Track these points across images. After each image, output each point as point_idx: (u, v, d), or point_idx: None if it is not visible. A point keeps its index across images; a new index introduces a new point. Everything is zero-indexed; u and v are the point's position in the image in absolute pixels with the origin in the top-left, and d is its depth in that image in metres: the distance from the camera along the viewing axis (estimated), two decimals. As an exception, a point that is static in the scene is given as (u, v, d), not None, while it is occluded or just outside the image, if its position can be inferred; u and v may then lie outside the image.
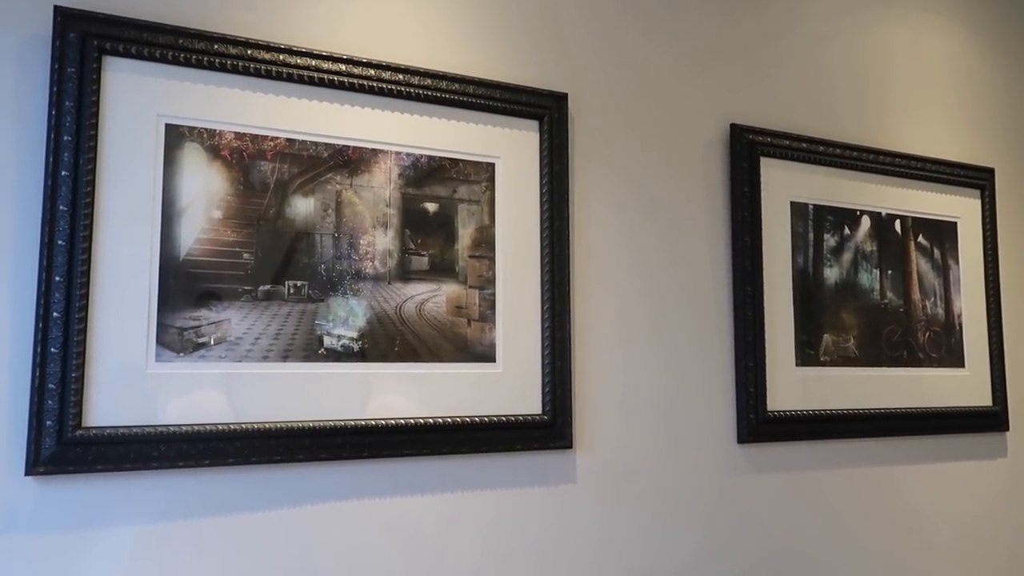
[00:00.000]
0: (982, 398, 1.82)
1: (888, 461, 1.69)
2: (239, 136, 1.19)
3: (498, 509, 1.31)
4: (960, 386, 1.79)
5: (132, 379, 1.09)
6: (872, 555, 1.65)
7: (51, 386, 1.05)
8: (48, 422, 1.04)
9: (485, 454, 1.31)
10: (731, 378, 1.54)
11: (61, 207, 1.07)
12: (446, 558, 1.27)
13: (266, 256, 1.19)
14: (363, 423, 1.22)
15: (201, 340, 1.14)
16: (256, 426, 1.15)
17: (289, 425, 1.17)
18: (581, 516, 1.37)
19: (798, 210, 1.64)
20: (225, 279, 1.16)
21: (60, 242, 1.07)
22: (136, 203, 1.12)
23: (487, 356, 1.33)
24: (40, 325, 1.05)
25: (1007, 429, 1.84)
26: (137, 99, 1.13)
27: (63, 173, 1.08)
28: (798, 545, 1.56)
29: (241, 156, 1.19)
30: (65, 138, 1.08)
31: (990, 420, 1.81)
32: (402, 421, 1.24)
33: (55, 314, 1.06)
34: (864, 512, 1.65)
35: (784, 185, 1.63)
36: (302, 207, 1.23)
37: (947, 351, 1.79)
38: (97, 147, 1.10)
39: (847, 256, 1.69)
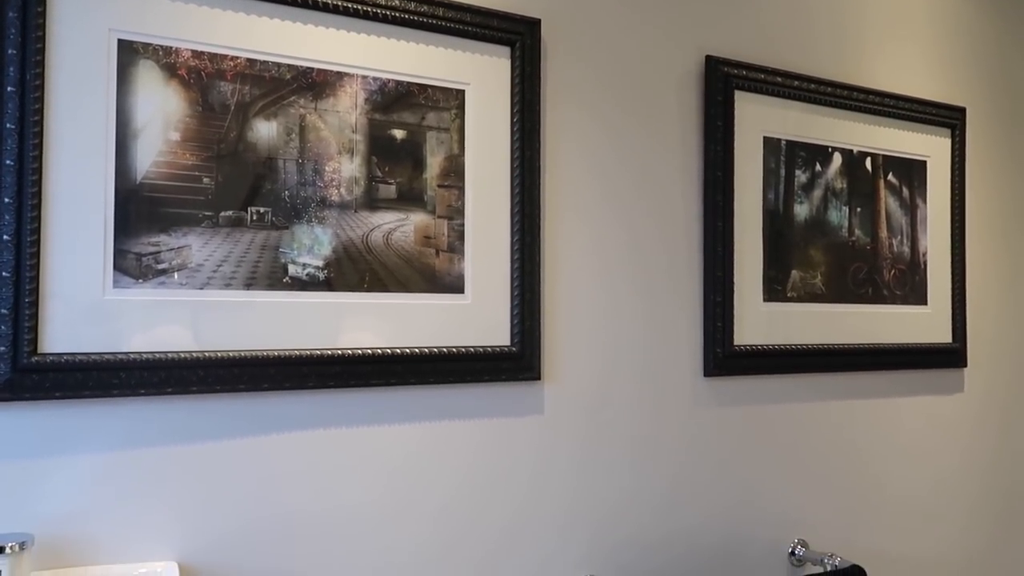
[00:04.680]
0: (943, 335, 1.85)
1: (850, 395, 1.73)
2: (197, 55, 1.14)
3: (465, 439, 1.32)
4: (922, 323, 1.82)
5: (89, 305, 1.06)
6: (832, 485, 1.69)
7: (3, 311, 1.01)
8: (1, 348, 1.01)
9: (453, 385, 1.31)
10: (699, 312, 1.55)
11: (8, 125, 1.02)
12: (413, 488, 1.27)
13: (227, 181, 1.16)
14: (329, 353, 1.20)
15: (161, 267, 1.11)
16: (220, 354, 1.13)
17: (254, 354, 1.15)
18: (548, 446, 1.39)
19: (771, 145, 1.63)
20: (185, 204, 1.13)
21: (8, 162, 1.02)
22: (88, 122, 1.07)
23: (455, 287, 1.31)
24: (-11, 248, 1.01)
25: (965, 365, 1.88)
26: (87, 13, 1.07)
27: (9, 88, 1.02)
28: (761, 476, 1.60)
29: (199, 76, 1.14)
30: (9, 51, 1.02)
31: (950, 357, 1.85)
32: (369, 351, 1.23)
33: (5, 237, 1.02)
34: (825, 444, 1.69)
35: (758, 120, 1.61)
36: (264, 131, 1.19)
37: (911, 289, 1.81)
38: (45, 61, 1.04)
39: (817, 193, 1.69)
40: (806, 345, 1.65)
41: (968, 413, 1.92)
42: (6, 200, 1.02)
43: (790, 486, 1.64)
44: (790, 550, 1.62)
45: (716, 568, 1.53)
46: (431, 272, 1.29)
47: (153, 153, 1.11)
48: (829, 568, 1.53)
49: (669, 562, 1.48)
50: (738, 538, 1.56)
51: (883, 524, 1.76)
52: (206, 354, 1.12)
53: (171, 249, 1.12)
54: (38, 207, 1.03)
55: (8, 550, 0.95)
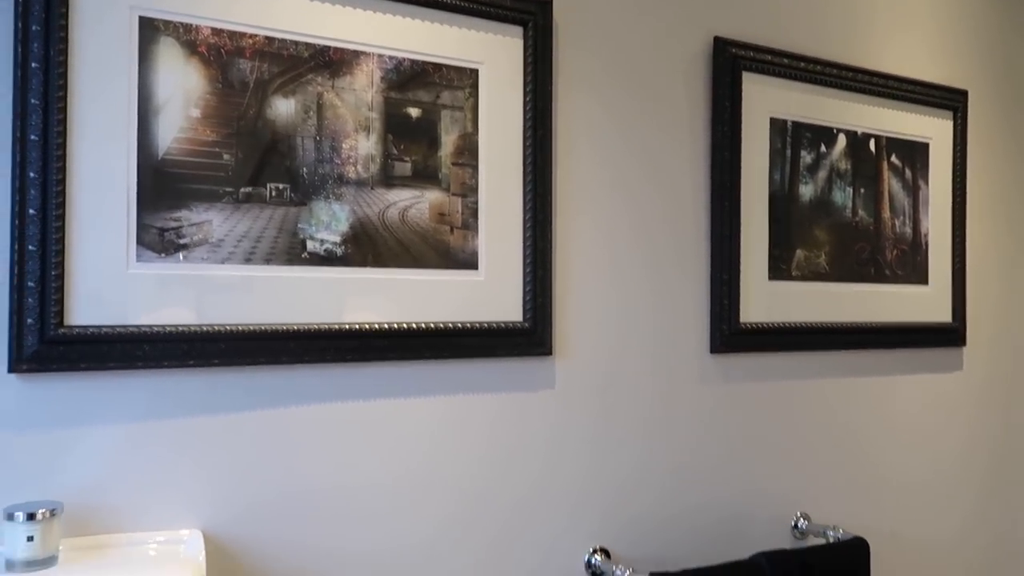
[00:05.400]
0: (942, 314, 1.88)
1: (852, 372, 1.76)
2: (216, 32, 1.16)
3: (480, 413, 1.34)
4: (922, 302, 1.85)
5: (113, 279, 1.08)
6: (834, 460, 1.73)
7: (31, 284, 1.03)
8: (29, 320, 1.03)
9: (467, 360, 1.33)
10: (706, 290, 1.57)
11: (33, 100, 1.04)
12: (429, 460, 1.30)
13: (247, 157, 1.17)
14: (347, 327, 1.22)
15: (182, 241, 1.13)
16: (241, 328, 1.15)
17: (273, 327, 1.17)
18: (560, 421, 1.41)
19: (777, 127, 1.65)
20: (205, 180, 1.14)
21: (33, 137, 1.04)
22: (111, 99, 1.08)
23: (470, 263, 1.33)
24: (16, 222, 1.03)
25: (964, 344, 1.91)
26: (108, -12, 1.08)
27: (33, 65, 1.04)
28: (765, 450, 1.63)
29: (219, 53, 1.16)
30: (33, 28, 1.04)
31: (949, 335, 1.89)
32: (386, 326, 1.25)
33: (31, 211, 1.03)
34: (828, 420, 1.72)
35: (764, 101, 1.63)
36: (283, 108, 1.20)
37: (912, 269, 1.84)
38: (68, 38, 1.06)
39: (822, 174, 1.71)
40: (810, 323, 1.68)
41: (966, 391, 1.95)
42: (31, 175, 1.03)
43: (793, 461, 1.67)
44: (793, 523, 1.66)
45: (722, 539, 1.57)
46: (446, 249, 1.31)
47: (174, 129, 1.13)
48: (831, 540, 1.57)
49: (676, 533, 1.52)
50: (743, 511, 1.60)
51: (883, 498, 1.80)
52: (227, 327, 1.14)
53: (192, 224, 1.14)
54: (63, 182, 1.05)
55: (40, 516, 0.97)
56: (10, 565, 0.97)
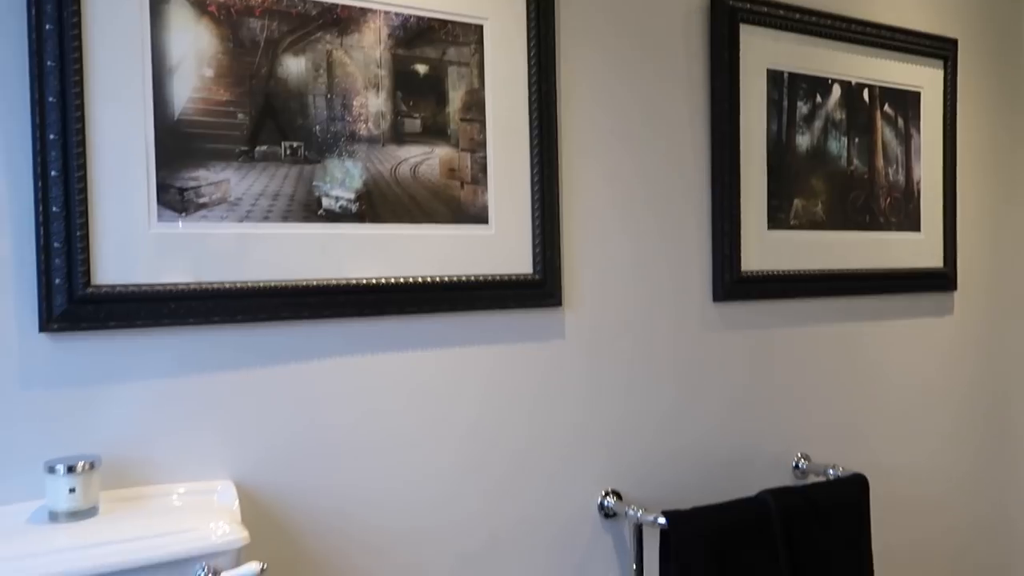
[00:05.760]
0: (934, 260, 1.94)
1: (848, 318, 1.81)
2: (225, -9, 1.16)
3: (494, 363, 1.38)
4: (915, 249, 1.90)
5: (137, 238, 1.10)
6: (831, 403, 1.79)
7: (56, 244, 1.05)
8: (57, 280, 1.05)
9: (480, 312, 1.37)
10: (707, 241, 1.61)
11: (48, 62, 1.04)
12: (446, 408, 1.34)
13: (261, 116, 1.19)
14: (364, 282, 1.25)
15: (202, 200, 1.15)
16: (262, 284, 1.18)
17: (294, 283, 1.20)
18: (570, 369, 1.45)
19: (774, 78, 1.68)
20: (221, 139, 1.16)
21: (51, 99, 1.05)
22: (126, 59, 1.09)
23: (480, 218, 1.36)
24: (39, 184, 1.04)
25: (955, 289, 1.97)
26: (118, -52, 1.09)
27: (47, 27, 1.04)
28: (766, 395, 1.69)
29: (229, 12, 1.17)
30: (46, -11, 1.04)
31: (940, 280, 1.94)
32: (402, 280, 1.28)
33: (53, 173, 1.05)
34: (825, 364, 1.78)
35: (762, 52, 1.65)
36: (293, 67, 1.21)
37: (905, 216, 1.89)
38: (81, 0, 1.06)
39: (818, 124, 1.75)
40: (807, 271, 1.72)
41: (956, 334, 2.01)
42: (51, 136, 1.05)
43: (793, 404, 1.73)
44: (794, 464, 1.72)
45: (726, 480, 1.63)
46: (456, 203, 1.34)
47: (188, 89, 1.14)
48: (831, 478, 1.63)
49: (682, 476, 1.57)
50: (746, 453, 1.66)
51: (879, 436, 1.86)
52: (248, 284, 1.17)
53: (211, 184, 1.15)
54: (83, 143, 1.06)
55: (80, 469, 1.00)
56: (53, 516, 1.00)
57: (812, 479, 1.70)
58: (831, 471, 1.65)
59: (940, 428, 1.98)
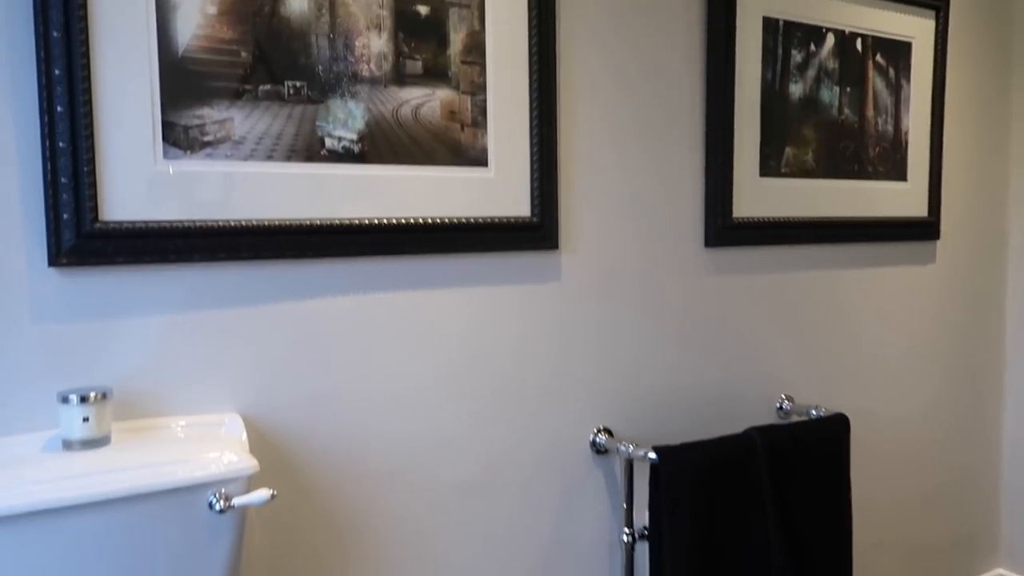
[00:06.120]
0: (919, 209, 1.98)
1: (835, 265, 1.86)
2: (226, -74, 1.15)
3: (492, 304, 1.41)
4: (901, 198, 1.94)
5: (143, 174, 1.11)
6: (815, 347, 1.84)
7: (64, 180, 1.06)
8: (65, 215, 1.06)
9: (479, 254, 1.40)
10: (700, 187, 1.64)
11: (52, -3, 1.04)
12: (445, 347, 1.38)
13: (264, 55, 1.19)
14: (367, 222, 1.27)
15: (206, 139, 1.16)
16: (267, 223, 1.19)
17: (298, 223, 1.22)
18: (565, 311, 1.49)
19: (769, 26, 1.69)
20: (225, 77, 1.16)
21: (55, 34, 1.04)
22: (129, -6, 1.09)
23: (480, 161, 1.38)
24: (45, 119, 1.05)
25: (938, 238, 2.02)
26: None
27: (50, -41, 1.04)
28: (753, 338, 1.74)
29: (231, -52, 1.16)
30: (47, -79, 1.03)
31: (925, 229, 1.99)
32: (403, 221, 1.30)
33: (59, 108, 1.05)
34: (811, 310, 1.83)
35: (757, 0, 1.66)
36: (296, 5, 1.21)
37: (893, 165, 1.92)
38: (83, -68, 1.06)
39: (811, 73, 1.76)
40: (797, 218, 1.76)
41: (938, 282, 2.07)
42: (57, 72, 1.05)
43: (779, 348, 1.78)
44: (778, 405, 1.78)
45: (713, 419, 1.69)
46: (457, 146, 1.36)
47: (192, 26, 1.14)
48: (813, 418, 1.69)
49: (672, 413, 1.63)
50: (732, 393, 1.71)
51: (860, 381, 1.93)
52: (253, 223, 1.19)
53: (215, 122, 1.16)
54: (88, 79, 1.07)
55: (92, 399, 1.03)
56: (68, 444, 1.03)
57: (795, 419, 1.77)
58: (813, 411, 1.71)
59: (919, 372, 2.05)
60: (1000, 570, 2.29)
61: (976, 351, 2.17)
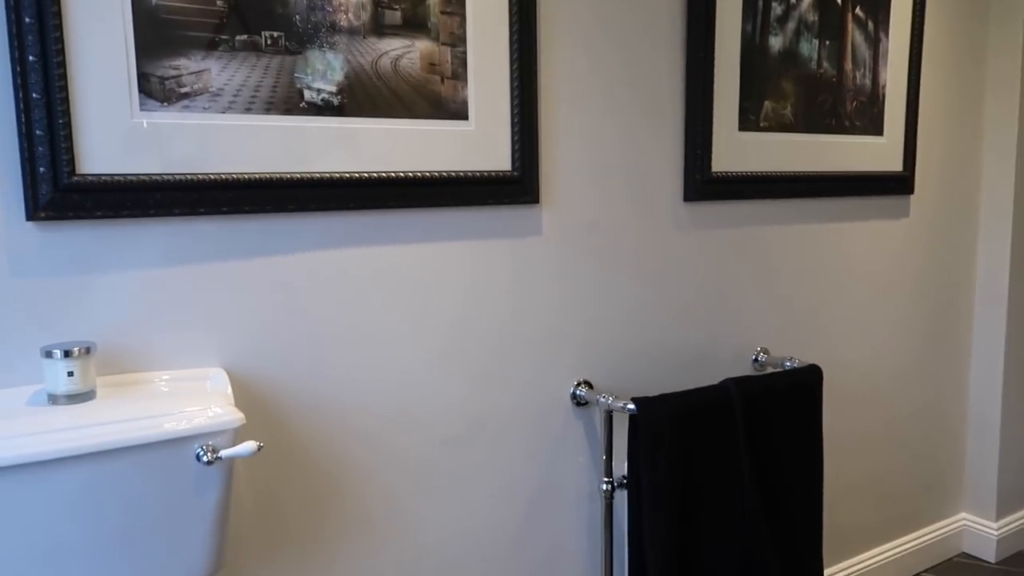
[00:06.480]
0: (894, 164, 2.00)
1: (811, 219, 1.88)
2: None
3: (473, 258, 1.42)
4: (877, 153, 1.96)
5: (119, 126, 1.10)
6: (791, 300, 1.88)
7: (39, 132, 1.04)
8: (41, 168, 1.05)
9: (460, 208, 1.40)
10: (680, 141, 1.65)
11: (19, -59, 1.01)
12: (426, 301, 1.38)
13: (239, 4, 1.17)
14: (347, 176, 1.27)
15: (183, 90, 1.14)
16: (247, 176, 1.19)
17: (279, 176, 1.21)
18: (546, 265, 1.50)
19: (750, -23, 1.68)
20: (200, 27, 1.14)
21: (24, -19, 1.02)
22: (99, -60, 1.06)
23: (460, 114, 1.37)
24: (18, 69, 1.02)
25: (912, 192, 2.05)
26: None
27: (15, -98, 1.00)
28: (730, 291, 1.76)
29: None
30: None
31: (900, 184, 2.01)
32: (384, 174, 1.30)
33: (31, 58, 1.03)
34: (788, 263, 1.86)
35: (739, -50, 1.65)
36: (271, -47, 1.19)
37: (869, 120, 1.94)
38: None
39: (791, 25, 1.76)
40: (774, 172, 1.77)
41: (912, 236, 2.10)
42: (27, 20, 1.02)
43: (756, 301, 1.81)
44: (754, 357, 1.82)
45: (690, 371, 1.72)
46: (437, 99, 1.35)
47: (165, -26, 1.11)
48: (788, 369, 1.73)
49: (650, 368, 1.66)
50: (709, 346, 1.74)
51: (834, 333, 1.97)
52: (233, 176, 1.18)
53: (192, 73, 1.14)
54: (60, 27, 1.04)
55: (76, 353, 1.03)
56: (53, 399, 1.04)
57: (770, 371, 1.81)
58: (787, 363, 1.75)
59: (891, 325, 2.10)
60: (964, 514, 2.38)
61: (947, 304, 2.23)
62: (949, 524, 2.34)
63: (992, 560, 2.31)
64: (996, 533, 2.31)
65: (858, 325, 2.02)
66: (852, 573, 2.09)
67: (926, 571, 2.27)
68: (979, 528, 2.34)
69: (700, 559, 1.51)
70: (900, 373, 2.14)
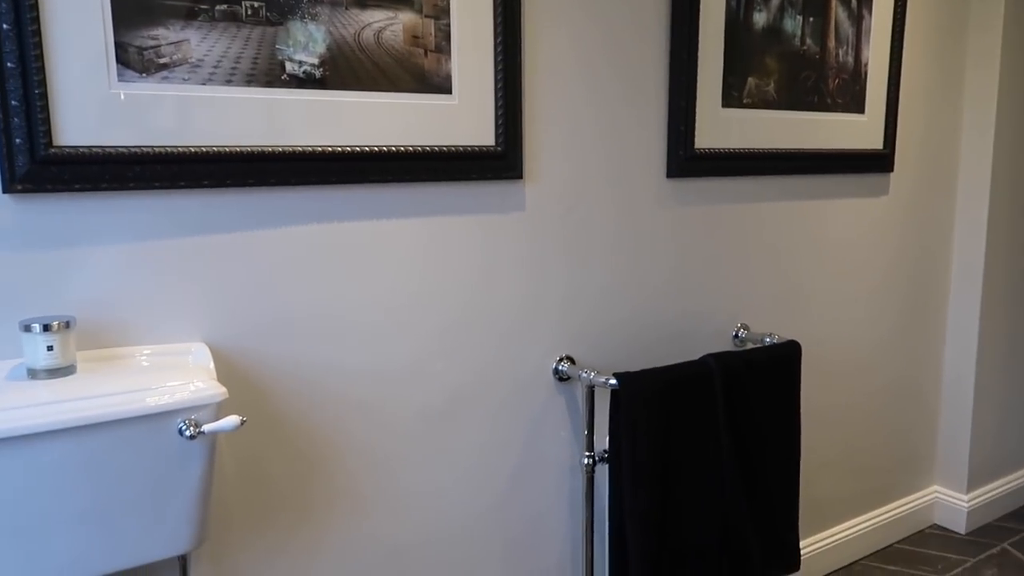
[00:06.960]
0: (875, 142, 2.02)
1: (793, 196, 1.89)
2: None
3: (456, 233, 1.42)
4: (858, 131, 1.97)
5: (97, 97, 1.08)
6: (771, 277, 1.89)
7: (14, 103, 1.02)
8: (18, 140, 1.03)
9: (443, 183, 1.39)
10: (663, 117, 1.64)
11: (-9, -95, 0.98)
12: (408, 277, 1.38)
13: (219, -27, 1.15)
14: (329, 150, 1.26)
15: (162, 61, 1.12)
16: (228, 149, 1.17)
17: (260, 149, 1.20)
18: (529, 240, 1.50)
19: (735, -48, 1.67)
20: (179, -3, 1.12)
21: (-4, -54, 0.99)
22: (74, -95, 1.04)
23: (444, 88, 1.36)
24: (-9, 38, 1.00)
25: (892, 170, 2.06)
26: None
27: None
28: (712, 267, 1.78)
29: None
30: None
31: (880, 162, 2.03)
32: (367, 148, 1.29)
33: (5, 26, 1.01)
34: (768, 240, 1.87)
35: (725, -75, 1.64)
36: (251, -79, 1.16)
37: (851, 98, 1.94)
38: None
39: (775, 2, 1.76)
40: (757, 149, 1.78)
41: (891, 214, 2.13)
42: (0, -12, 1.00)
43: (737, 277, 1.83)
44: (734, 333, 1.84)
45: (672, 346, 1.73)
46: (420, 72, 1.33)
47: (143, -59, 1.09)
48: (767, 344, 1.75)
49: (632, 344, 1.67)
50: (690, 321, 1.76)
51: (814, 309, 2.00)
52: (214, 149, 1.16)
53: (170, 43, 1.12)
54: (34, -5, 1.02)
55: (55, 328, 1.02)
56: (32, 373, 1.03)
57: (750, 347, 1.83)
58: (767, 339, 1.77)
59: (870, 302, 2.13)
60: (936, 487, 2.44)
61: (924, 281, 2.26)
62: (921, 497, 2.39)
63: (962, 531, 2.37)
64: (967, 505, 2.36)
65: (837, 301, 2.05)
66: (827, 545, 2.14)
67: (898, 542, 2.32)
68: (950, 500, 2.39)
69: (679, 532, 1.54)
70: (877, 348, 2.17)
